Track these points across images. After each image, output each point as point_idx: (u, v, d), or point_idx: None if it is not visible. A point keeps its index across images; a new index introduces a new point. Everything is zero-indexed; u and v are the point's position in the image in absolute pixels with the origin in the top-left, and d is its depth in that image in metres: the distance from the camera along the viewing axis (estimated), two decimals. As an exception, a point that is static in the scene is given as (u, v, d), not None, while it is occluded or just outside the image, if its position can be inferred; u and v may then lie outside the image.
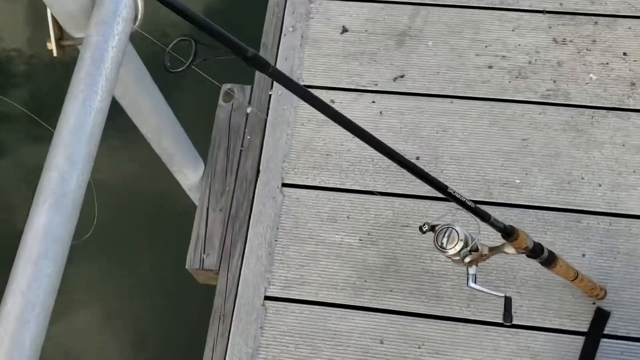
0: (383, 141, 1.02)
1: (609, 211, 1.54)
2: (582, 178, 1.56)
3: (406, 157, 1.22)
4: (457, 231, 1.19)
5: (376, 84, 1.68)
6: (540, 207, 1.56)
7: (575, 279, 1.33)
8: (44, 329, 0.69)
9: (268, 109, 1.65)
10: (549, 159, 1.58)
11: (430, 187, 1.09)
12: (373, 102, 1.67)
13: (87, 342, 2.15)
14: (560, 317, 1.45)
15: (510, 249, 1.18)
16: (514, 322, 1.46)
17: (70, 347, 2.13)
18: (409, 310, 1.47)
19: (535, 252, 1.19)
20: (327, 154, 1.61)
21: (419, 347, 1.44)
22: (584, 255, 1.51)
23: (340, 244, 1.54)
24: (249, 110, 1.64)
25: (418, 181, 1.39)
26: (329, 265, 1.52)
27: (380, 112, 1.66)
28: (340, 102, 1.67)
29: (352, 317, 1.46)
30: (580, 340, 1.44)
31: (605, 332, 1.45)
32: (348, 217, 1.56)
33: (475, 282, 1.23)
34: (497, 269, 1.49)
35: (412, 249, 1.52)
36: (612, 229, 1.53)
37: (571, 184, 1.57)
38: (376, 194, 1.56)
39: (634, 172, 1.56)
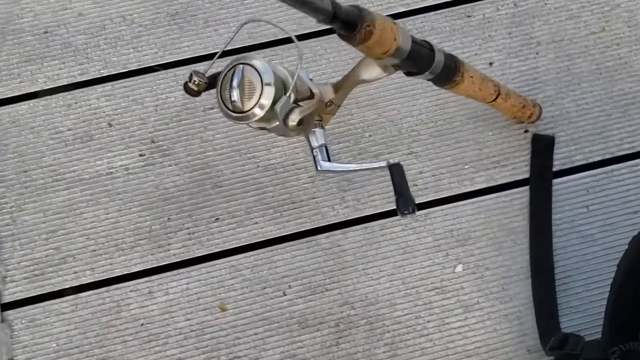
0: None
1: (509, -15, 0.93)
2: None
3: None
4: (255, 67, 0.51)
5: None
6: (411, 10, 0.92)
7: (497, 97, 0.71)
8: None
9: None
10: None
11: None
12: None
13: None
14: (485, 169, 0.85)
15: (370, 69, 0.53)
16: (419, 200, 0.85)
17: None
18: (248, 242, 0.82)
19: (419, 57, 0.54)
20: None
21: (284, 293, 0.80)
22: (491, 63, 0.90)
23: (110, 172, 0.85)
24: None
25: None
26: (99, 215, 0.83)
27: (114, -61, 0.93)
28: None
29: (165, 285, 0.80)
30: (524, 193, 0.84)
31: (555, 168, 0.86)
32: (107, 128, 0.86)
33: (328, 159, 0.58)
34: (353, 110, 0.86)
35: (215, 135, 0.85)
36: (520, 10, 0.91)
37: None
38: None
39: None
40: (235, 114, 0.54)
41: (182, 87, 0.88)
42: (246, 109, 0.53)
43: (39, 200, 0.84)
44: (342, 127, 0.87)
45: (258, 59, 0.54)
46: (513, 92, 0.77)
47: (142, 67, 0.89)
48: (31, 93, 0.88)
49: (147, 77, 0.89)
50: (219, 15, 0.92)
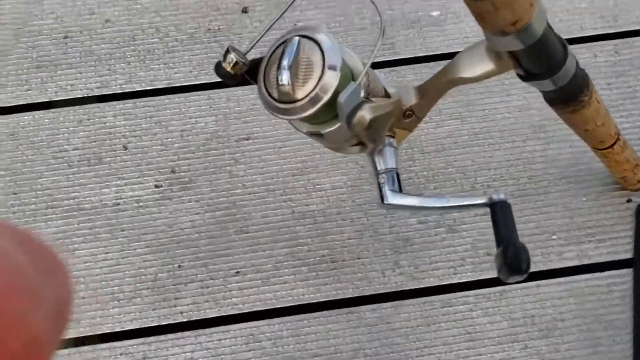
0: None
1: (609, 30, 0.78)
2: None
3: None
4: (318, 42, 0.35)
5: None
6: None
7: (615, 143, 0.54)
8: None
9: None
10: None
11: None
12: None
13: None
14: (577, 243, 0.68)
15: (476, 60, 0.37)
16: (491, 274, 0.67)
17: None
18: (273, 306, 0.65)
19: (549, 51, 0.38)
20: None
21: (315, 377, 0.62)
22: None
23: (117, 203, 0.69)
24: None
25: None
26: (96, 255, 0.67)
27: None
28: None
29: (165, 351, 0.63)
30: (625, 277, 0.66)
31: (666, 249, 0.68)
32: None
33: (399, 189, 0.41)
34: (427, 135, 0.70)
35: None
36: (622, 59, 0.78)
37: None
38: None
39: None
40: (280, 105, 0.39)
41: (215, 112, 0.74)
42: (298, 97, 0.38)
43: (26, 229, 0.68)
44: (402, 175, 0.70)
45: (324, 32, 0.39)
46: (628, 143, 0.60)
47: (171, 85, 0.75)
48: (38, 103, 0.75)
49: (176, 97, 0.75)
50: (266, 37, 0.78)
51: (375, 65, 0.76)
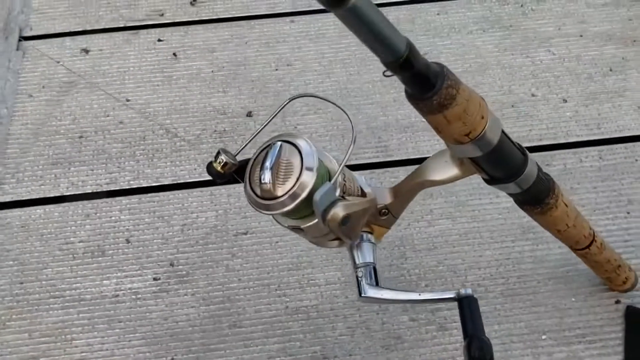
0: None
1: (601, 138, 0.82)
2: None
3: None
4: (297, 146, 0.40)
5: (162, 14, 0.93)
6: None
7: (591, 244, 0.56)
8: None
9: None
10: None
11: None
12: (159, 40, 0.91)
13: None
14: (567, 343, 0.69)
15: (441, 165, 0.41)
16: None
17: None
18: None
19: (508, 157, 0.42)
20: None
21: None
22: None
23: (116, 294, 0.71)
24: None
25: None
26: (92, 345, 0.68)
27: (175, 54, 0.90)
28: (100, 50, 0.90)
29: None
30: (617, 380, 0.66)
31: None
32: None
33: (376, 283, 0.43)
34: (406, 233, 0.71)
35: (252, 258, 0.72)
36: (606, 164, 0.81)
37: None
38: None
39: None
40: (262, 201, 0.42)
41: (216, 208, 0.78)
42: (278, 194, 0.41)
43: (28, 317, 0.71)
44: (394, 272, 0.73)
45: (303, 138, 0.43)
46: (609, 245, 0.62)
47: (176, 182, 0.80)
48: (49, 198, 0.79)
49: (180, 192, 0.79)
50: (269, 137, 0.83)
51: (370, 166, 0.80)
